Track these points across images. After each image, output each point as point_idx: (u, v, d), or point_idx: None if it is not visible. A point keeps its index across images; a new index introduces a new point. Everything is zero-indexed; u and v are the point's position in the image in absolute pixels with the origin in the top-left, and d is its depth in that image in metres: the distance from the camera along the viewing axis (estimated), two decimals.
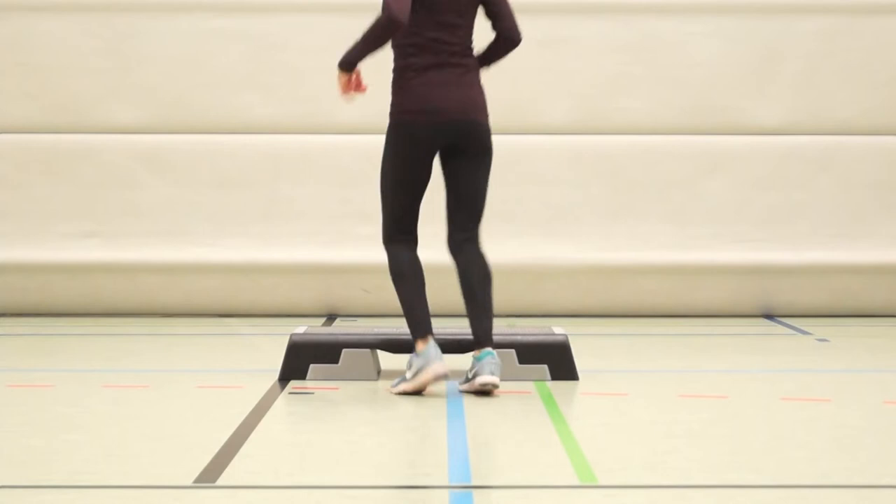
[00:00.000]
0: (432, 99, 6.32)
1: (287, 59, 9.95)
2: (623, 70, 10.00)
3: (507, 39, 6.50)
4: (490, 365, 6.29)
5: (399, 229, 6.47)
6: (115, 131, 9.98)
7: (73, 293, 9.93)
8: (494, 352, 6.34)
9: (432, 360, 6.29)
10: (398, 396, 6.32)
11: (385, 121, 6.44)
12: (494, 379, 6.27)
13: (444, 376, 6.33)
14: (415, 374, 6.32)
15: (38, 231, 9.93)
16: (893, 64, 10.04)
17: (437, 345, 6.34)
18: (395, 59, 6.41)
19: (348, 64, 6.32)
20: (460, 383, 6.45)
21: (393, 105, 6.39)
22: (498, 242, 9.89)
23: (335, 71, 6.34)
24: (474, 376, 6.31)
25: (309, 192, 9.97)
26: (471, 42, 6.44)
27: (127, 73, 9.97)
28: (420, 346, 6.34)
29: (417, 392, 6.33)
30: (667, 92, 10.00)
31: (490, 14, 6.46)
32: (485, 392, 6.31)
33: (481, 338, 6.37)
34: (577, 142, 10.04)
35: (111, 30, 9.97)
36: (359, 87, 6.39)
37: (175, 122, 9.98)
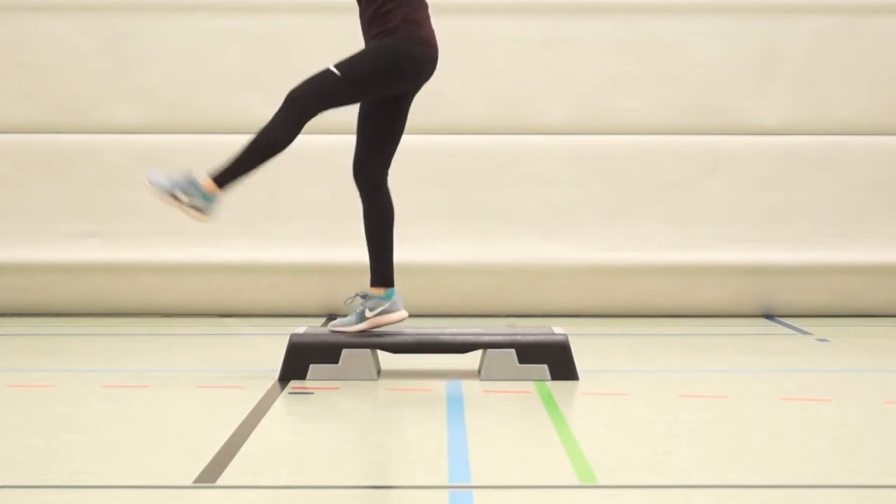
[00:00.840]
0: (434, 40, 6.64)
1: (287, 59, 9.95)
2: (623, 70, 10.00)
3: None
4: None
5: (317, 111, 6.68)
6: (115, 131, 9.98)
7: (73, 293, 9.93)
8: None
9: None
10: (398, 397, 6.32)
11: None
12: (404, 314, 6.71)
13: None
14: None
15: (38, 231, 9.93)
16: (893, 64, 10.04)
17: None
18: None
19: None
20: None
21: (401, 31, 6.55)
22: (498, 242, 9.93)
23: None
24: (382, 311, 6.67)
25: (309, 192, 9.97)
26: None
27: (127, 73, 9.96)
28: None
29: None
30: (667, 92, 10.00)
31: None
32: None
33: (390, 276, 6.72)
34: (577, 142, 10.04)
35: (111, 30, 9.97)
36: None
37: (175, 122, 9.98)
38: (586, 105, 10.01)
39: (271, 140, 6.57)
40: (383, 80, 6.56)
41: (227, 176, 6.51)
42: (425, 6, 6.63)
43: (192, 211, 6.46)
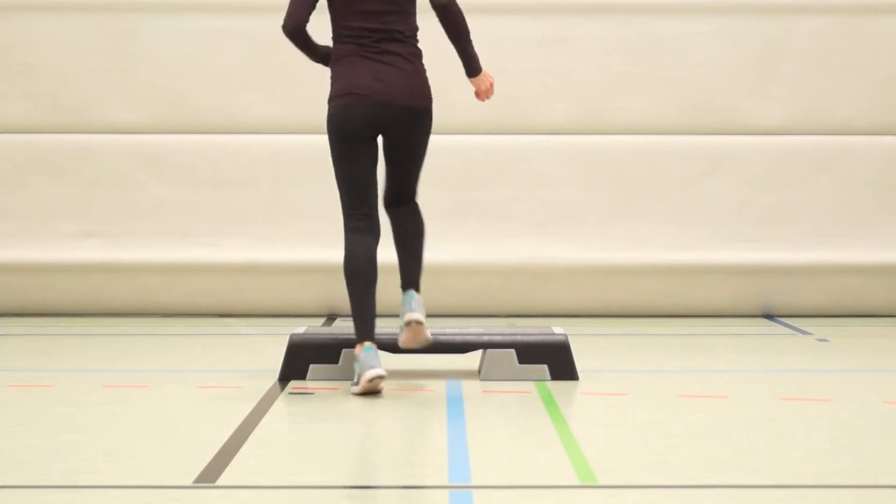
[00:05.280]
0: (355, 84, 6.47)
1: (287, 59, 9.90)
2: (623, 70, 10.00)
3: (438, 8, 6.56)
4: (414, 301, 6.61)
5: (351, 208, 6.88)
6: (115, 131, 9.98)
7: (73, 293, 9.93)
8: (416, 295, 6.66)
9: (366, 367, 6.29)
10: (399, 396, 6.32)
11: None
12: (418, 315, 6.53)
13: (380, 378, 6.30)
14: (358, 380, 6.34)
15: (38, 231, 9.93)
16: (893, 64, 10.03)
17: (374, 347, 6.37)
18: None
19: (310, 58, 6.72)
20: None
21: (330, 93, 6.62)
22: (498, 242, 9.93)
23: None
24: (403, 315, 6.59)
25: (309, 192, 9.96)
26: (406, 27, 6.53)
27: (127, 73, 9.96)
28: (357, 349, 6.37)
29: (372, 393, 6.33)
30: (667, 92, 10.00)
31: None
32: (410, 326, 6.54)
33: (408, 280, 6.74)
34: (577, 142, 10.04)
35: (111, 30, 9.96)
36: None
37: (175, 122, 9.98)
38: (586, 105, 10.01)
39: (346, 263, 6.92)
40: (337, 146, 6.68)
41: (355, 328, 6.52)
42: (346, 48, 6.49)
43: (362, 384, 6.30)
